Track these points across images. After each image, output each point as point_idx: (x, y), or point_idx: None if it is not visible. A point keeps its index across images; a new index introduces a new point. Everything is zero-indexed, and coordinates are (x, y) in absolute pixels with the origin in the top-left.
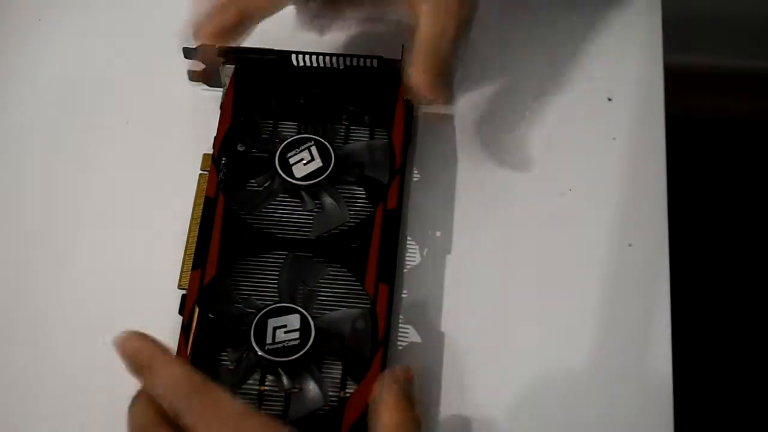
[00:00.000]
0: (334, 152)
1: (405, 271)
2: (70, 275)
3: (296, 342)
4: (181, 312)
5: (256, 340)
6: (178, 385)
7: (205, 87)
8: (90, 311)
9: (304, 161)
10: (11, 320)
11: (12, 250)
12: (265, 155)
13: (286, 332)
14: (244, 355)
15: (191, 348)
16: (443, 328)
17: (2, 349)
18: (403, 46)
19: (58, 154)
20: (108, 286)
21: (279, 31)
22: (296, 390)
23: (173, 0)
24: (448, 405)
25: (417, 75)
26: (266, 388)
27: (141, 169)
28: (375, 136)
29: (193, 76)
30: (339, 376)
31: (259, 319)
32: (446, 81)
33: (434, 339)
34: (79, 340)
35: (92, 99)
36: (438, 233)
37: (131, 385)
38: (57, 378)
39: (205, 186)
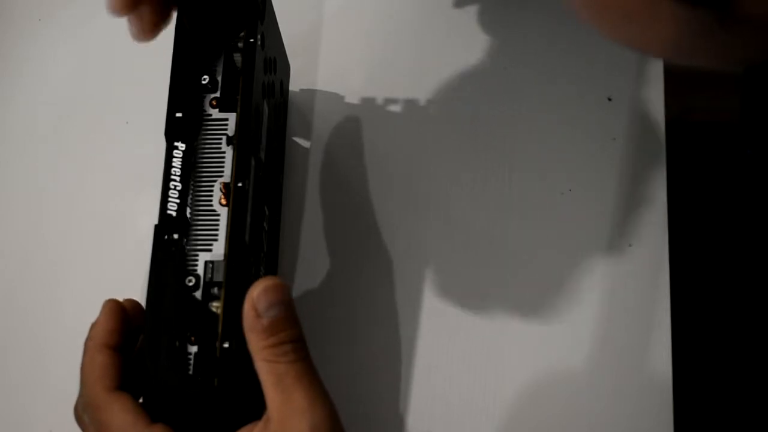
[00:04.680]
0: None
1: (405, 271)
2: (69, 274)
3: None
4: None
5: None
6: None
7: None
8: (88, 312)
9: None
10: (10, 320)
11: (12, 249)
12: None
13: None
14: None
15: None
16: (444, 327)
17: (2, 349)
18: None
19: (58, 153)
20: (108, 286)
21: None
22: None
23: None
24: (449, 403)
25: None
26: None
27: (141, 169)
28: None
29: None
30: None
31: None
32: None
33: (435, 338)
34: (77, 341)
35: (92, 99)
36: (436, 233)
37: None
38: (57, 379)
39: None
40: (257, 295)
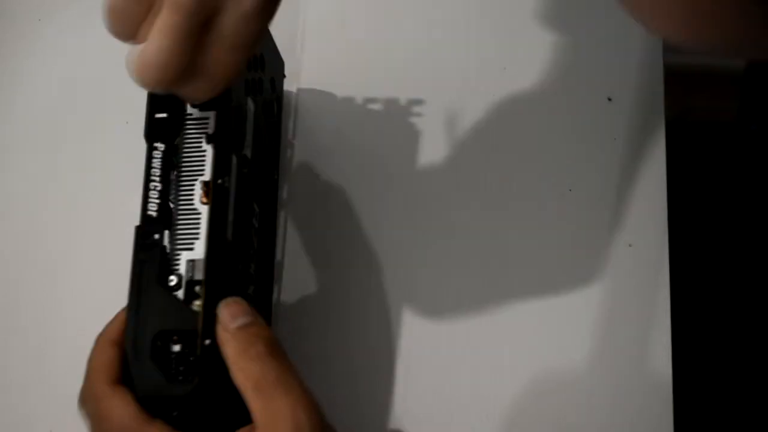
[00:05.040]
0: None
1: (404, 271)
2: (69, 275)
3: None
4: None
5: None
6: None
7: None
8: (88, 312)
9: None
10: (10, 320)
11: (11, 250)
12: None
13: None
14: None
15: None
16: (443, 327)
17: (3, 349)
18: None
19: (58, 154)
20: (107, 287)
21: None
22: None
23: None
24: (449, 403)
25: None
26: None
27: (141, 170)
28: None
29: None
30: None
31: None
32: None
33: (434, 338)
34: (77, 341)
35: (92, 99)
36: (437, 233)
37: None
38: (58, 378)
39: None
40: (222, 314)
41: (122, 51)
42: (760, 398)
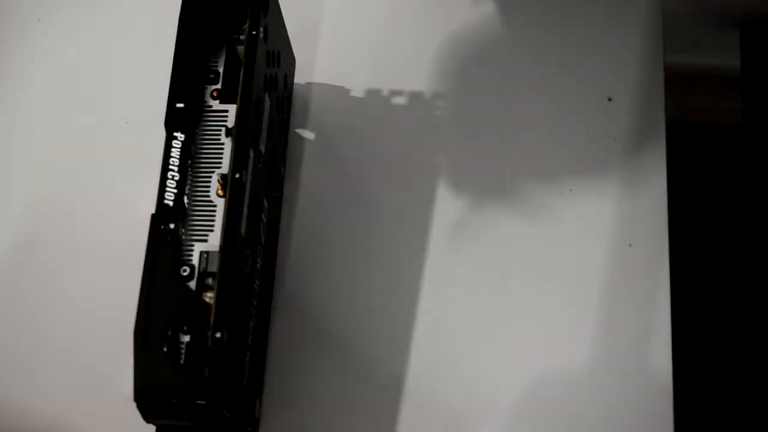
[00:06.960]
0: None
1: (405, 267)
2: (69, 277)
3: None
4: None
5: None
6: None
7: None
8: (88, 313)
9: None
10: (10, 322)
11: (11, 252)
12: None
13: None
14: None
15: None
16: (442, 327)
17: (3, 348)
18: None
19: (58, 154)
20: (107, 288)
21: None
22: None
23: (172, 0)
24: (449, 404)
25: None
26: None
27: (141, 170)
28: None
29: None
30: None
31: None
32: None
33: (433, 337)
34: (78, 342)
35: (92, 99)
36: (437, 231)
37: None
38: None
39: None
40: None
41: (122, 51)
42: (761, 398)
